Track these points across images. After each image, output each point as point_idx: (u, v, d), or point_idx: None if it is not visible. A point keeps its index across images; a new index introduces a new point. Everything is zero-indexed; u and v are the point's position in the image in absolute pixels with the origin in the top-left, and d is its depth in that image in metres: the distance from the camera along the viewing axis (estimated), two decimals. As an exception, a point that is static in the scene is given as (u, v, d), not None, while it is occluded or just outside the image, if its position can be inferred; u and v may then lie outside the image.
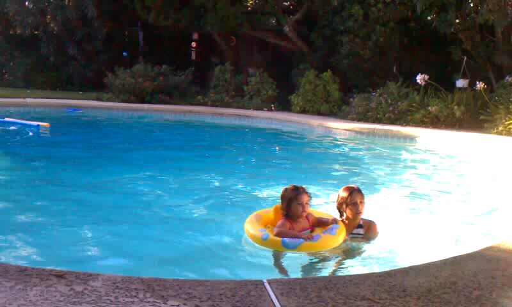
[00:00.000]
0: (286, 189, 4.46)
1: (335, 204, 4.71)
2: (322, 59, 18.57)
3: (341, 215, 4.65)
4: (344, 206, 4.57)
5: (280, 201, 4.48)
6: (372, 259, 4.26)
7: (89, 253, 4.14)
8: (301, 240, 4.09)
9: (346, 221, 4.59)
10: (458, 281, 2.89)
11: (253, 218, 4.59)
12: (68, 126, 14.48)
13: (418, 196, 6.93)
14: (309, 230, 4.41)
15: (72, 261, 3.78)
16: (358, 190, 4.59)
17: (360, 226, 4.58)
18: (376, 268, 3.98)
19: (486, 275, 3.00)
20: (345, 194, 4.57)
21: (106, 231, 4.74)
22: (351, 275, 3.28)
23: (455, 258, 3.45)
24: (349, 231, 4.53)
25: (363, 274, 3.34)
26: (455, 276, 2.98)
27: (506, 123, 12.19)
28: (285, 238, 4.12)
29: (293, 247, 4.05)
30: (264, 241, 4.16)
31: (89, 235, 4.60)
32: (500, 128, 12.26)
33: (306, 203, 4.39)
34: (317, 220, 4.53)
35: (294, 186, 4.46)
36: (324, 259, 4.18)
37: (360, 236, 4.55)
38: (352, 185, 4.72)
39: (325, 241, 4.16)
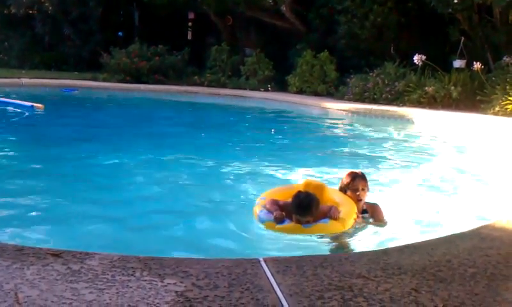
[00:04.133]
0: (298, 197, 4.16)
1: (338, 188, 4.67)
2: (320, 39, 18.49)
3: None
4: (347, 191, 4.53)
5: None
6: (368, 238, 4.27)
7: (86, 232, 4.14)
8: (270, 218, 4.11)
9: None
10: (453, 259, 2.91)
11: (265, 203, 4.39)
12: (63, 106, 14.42)
13: (414, 175, 6.96)
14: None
15: (68, 240, 3.78)
16: (361, 177, 4.55)
17: (364, 211, 4.54)
18: (372, 247, 4.00)
19: (480, 253, 3.02)
20: (348, 180, 4.54)
21: (103, 211, 4.74)
22: (346, 254, 3.31)
23: (450, 236, 3.47)
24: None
25: (358, 252, 3.37)
26: (450, 254, 2.99)
27: (503, 103, 12.20)
28: (263, 211, 4.22)
29: (261, 221, 4.14)
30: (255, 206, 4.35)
31: (86, 214, 4.59)
32: (497, 109, 12.28)
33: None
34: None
35: (302, 202, 4.12)
36: (323, 240, 4.16)
37: (367, 220, 4.51)
38: (356, 171, 4.69)
39: (292, 228, 4.06)
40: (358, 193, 4.47)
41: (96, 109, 14.58)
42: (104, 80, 19.15)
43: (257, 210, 4.26)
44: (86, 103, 15.39)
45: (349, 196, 4.50)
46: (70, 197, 5.21)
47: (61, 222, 4.43)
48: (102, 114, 13.34)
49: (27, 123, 10.81)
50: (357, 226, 4.32)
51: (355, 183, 4.49)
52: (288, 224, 4.05)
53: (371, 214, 4.55)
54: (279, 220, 4.05)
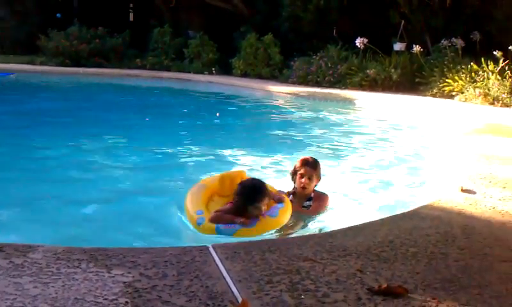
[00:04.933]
0: (245, 186, 3.94)
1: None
2: (263, 22, 18.47)
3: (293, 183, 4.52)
4: (294, 176, 4.48)
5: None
6: (314, 221, 4.34)
7: (27, 224, 4.00)
8: (237, 226, 3.73)
9: (296, 192, 4.48)
10: (395, 240, 3.01)
11: (195, 192, 4.23)
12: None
13: (356, 157, 7.12)
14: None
15: (8, 233, 3.64)
16: (311, 165, 4.43)
17: (309, 199, 4.44)
18: (317, 230, 4.08)
19: (421, 233, 3.14)
20: (297, 164, 4.46)
21: (43, 202, 4.59)
22: (293, 237, 3.37)
23: (391, 217, 3.59)
24: (300, 204, 4.40)
25: (304, 236, 3.43)
26: (392, 235, 3.09)
27: (441, 85, 12.62)
28: (219, 225, 3.76)
29: (229, 234, 3.67)
30: (198, 226, 3.83)
31: (25, 206, 4.44)
32: (435, 91, 12.69)
33: (262, 206, 3.88)
34: None
35: (254, 187, 3.93)
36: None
37: (306, 208, 4.41)
38: (308, 158, 4.56)
39: (264, 225, 3.82)
40: (302, 180, 4.40)
41: (34, 93, 14.04)
42: (42, 63, 18.49)
43: (208, 227, 3.80)
44: (23, 88, 14.81)
45: (297, 181, 4.42)
46: (8, 186, 5.01)
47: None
48: (40, 99, 12.86)
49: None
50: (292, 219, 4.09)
51: (302, 170, 4.40)
52: (241, 229, 3.75)
53: (314, 202, 4.43)
54: (247, 223, 3.77)
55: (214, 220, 3.83)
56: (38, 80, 16.30)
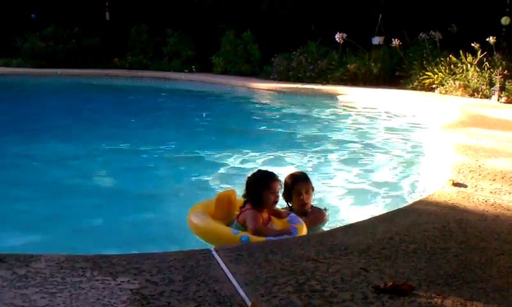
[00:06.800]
0: (254, 175, 3.86)
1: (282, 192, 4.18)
2: (242, 19, 18.44)
3: (288, 203, 4.23)
4: (288, 196, 4.17)
5: (244, 187, 3.89)
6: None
7: (25, 234, 3.94)
8: (285, 235, 3.51)
9: (293, 210, 4.13)
10: (394, 236, 3.04)
11: (204, 215, 3.86)
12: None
13: (343, 153, 7.16)
14: (270, 221, 3.90)
15: (7, 243, 3.59)
16: (303, 179, 4.17)
17: (305, 214, 4.11)
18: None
19: (418, 229, 3.17)
20: (289, 182, 4.15)
21: (37, 209, 4.53)
22: (294, 238, 3.37)
23: (388, 214, 3.63)
24: None
25: (305, 235, 3.43)
26: (390, 232, 3.12)
27: (420, 78, 12.75)
28: (269, 237, 3.48)
29: None
30: (244, 242, 3.44)
31: (21, 214, 4.37)
32: (415, 83, 12.82)
33: (278, 192, 3.83)
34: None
35: (265, 171, 3.88)
36: None
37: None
38: (297, 173, 4.34)
39: (303, 231, 3.67)
40: (301, 197, 4.10)
41: (10, 97, 13.79)
42: (18, 65, 18.20)
43: (248, 239, 3.50)
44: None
45: (294, 201, 4.15)
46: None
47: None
48: (16, 103, 12.65)
49: None
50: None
51: (297, 187, 4.11)
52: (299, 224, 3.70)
53: (310, 219, 4.08)
54: (290, 232, 3.62)
55: (258, 233, 3.59)
56: (14, 82, 16.02)
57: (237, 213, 3.90)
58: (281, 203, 4.19)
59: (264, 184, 3.76)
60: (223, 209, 3.93)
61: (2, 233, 3.91)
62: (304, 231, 3.73)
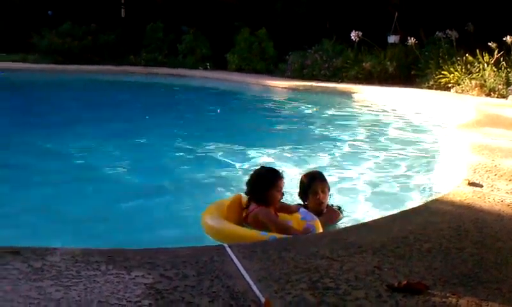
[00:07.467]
0: (259, 173, 3.85)
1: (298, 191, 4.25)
2: (257, 16, 18.44)
3: (304, 202, 4.22)
4: (305, 195, 4.16)
5: (247, 186, 3.84)
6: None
7: (41, 227, 3.98)
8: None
9: (308, 209, 4.08)
10: (409, 235, 3.02)
11: (223, 220, 3.72)
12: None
13: (359, 151, 7.13)
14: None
15: (22, 237, 3.62)
16: (318, 178, 4.17)
17: (320, 213, 4.08)
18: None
19: (433, 228, 3.15)
20: (306, 182, 4.16)
21: (53, 203, 4.56)
22: (308, 235, 3.36)
23: (403, 212, 3.60)
24: None
25: (319, 233, 3.42)
26: (405, 230, 3.10)
27: (436, 77, 12.66)
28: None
29: None
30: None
31: (37, 208, 4.40)
32: (431, 83, 12.73)
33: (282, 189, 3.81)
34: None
35: (269, 168, 3.86)
36: None
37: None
38: (313, 172, 4.35)
39: (319, 227, 3.67)
40: (318, 196, 4.09)
41: (28, 92, 13.93)
42: (35, 61, 18.36)
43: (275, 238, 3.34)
44: (15, 87, 14.69)
45: (310, 200, 4.13)
46: (15, 188, 4.98)
47: (8, 217, 4.22)
48: (34, 97, 12.77)
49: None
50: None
51: (313, 186, 4.11)
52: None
53: (325, 218, 4.05)
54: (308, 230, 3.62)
55: (284, 232, 3.52)
56: (31, 78, 16.15)
57: (244, 214, 3.83)
58: (285, 199, 4.15)
59: (271, 183, 3.71)
60: (236, 211, 3.87)
61: (17, 227, 3.96)
62: (319, 226, 3.71)
